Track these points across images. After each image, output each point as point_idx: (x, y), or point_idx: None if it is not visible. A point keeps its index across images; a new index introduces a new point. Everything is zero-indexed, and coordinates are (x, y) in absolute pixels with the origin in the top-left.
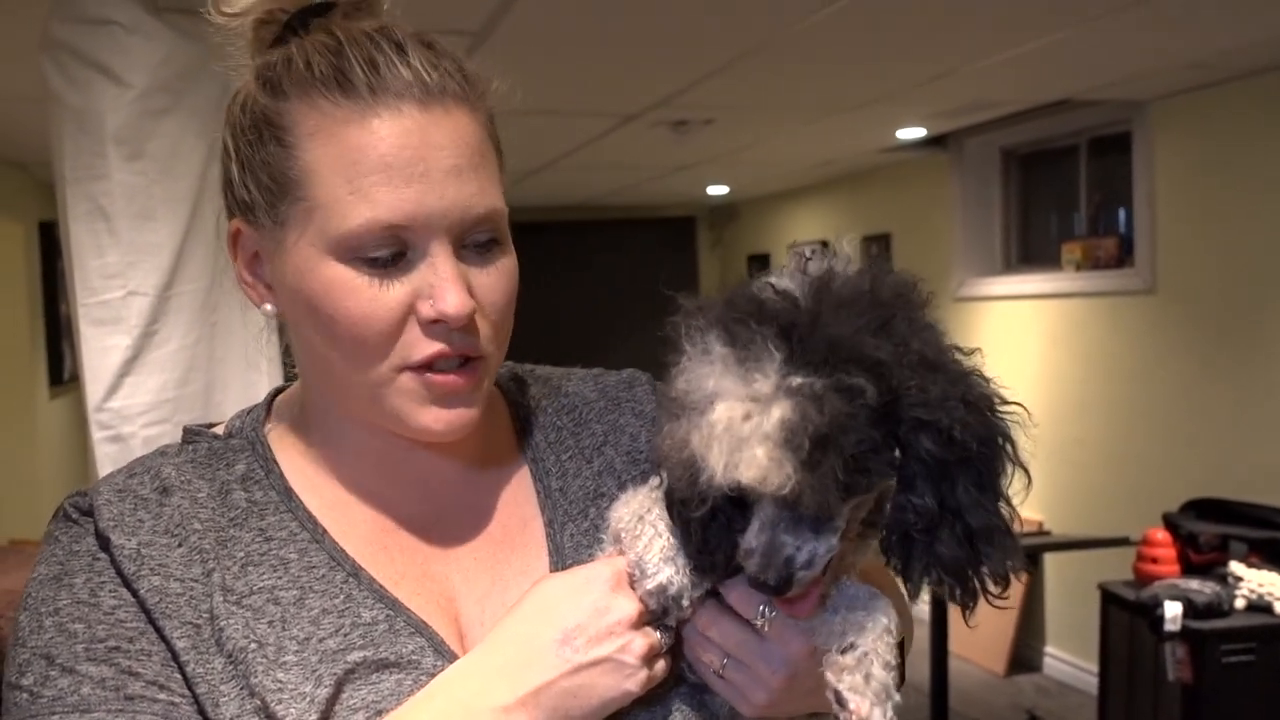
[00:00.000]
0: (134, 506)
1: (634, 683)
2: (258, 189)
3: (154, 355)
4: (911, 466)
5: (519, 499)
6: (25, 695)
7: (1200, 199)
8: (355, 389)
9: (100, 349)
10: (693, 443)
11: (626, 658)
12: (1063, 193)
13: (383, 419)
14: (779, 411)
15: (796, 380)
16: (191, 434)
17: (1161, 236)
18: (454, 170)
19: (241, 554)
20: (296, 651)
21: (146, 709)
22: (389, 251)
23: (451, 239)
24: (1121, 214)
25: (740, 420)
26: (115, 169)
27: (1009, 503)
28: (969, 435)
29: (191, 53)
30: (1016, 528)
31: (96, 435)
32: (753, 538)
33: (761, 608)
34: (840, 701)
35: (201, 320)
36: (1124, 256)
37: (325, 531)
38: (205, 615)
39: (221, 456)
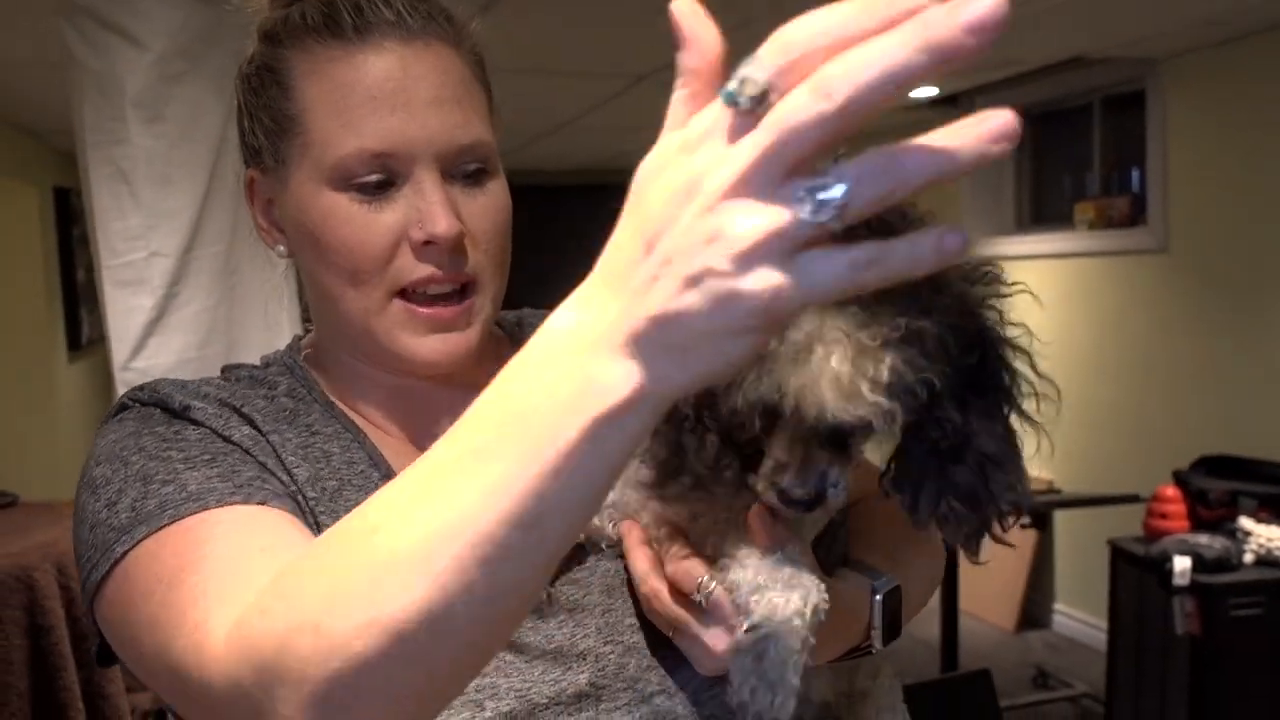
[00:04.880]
0: (197, 388)
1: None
2: (263, 133)
3: (176, 316)
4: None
5: None
6: (126, 516)
7: (1214, 158)
8: (353, 318)
9: (124, 310)
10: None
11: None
12: (1076, 152)
13: (379, 350)
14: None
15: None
16: (229, 368)
17: (1174, 196)
18: (435, 101)
19: (290, 445)
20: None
21: (261, 488)
22: (377, 178)
23: (439, 167)
24: (1135, 173)
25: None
26: (135, 133)
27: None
28: (1003, 354)
29: (209, 17)
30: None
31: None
32: (783, 452)
33: (700, 581)
34: (729, 681)
35: (221, 282)
36: (1137, 216)
37: (366, 436)
38: (276, 461)
39: (263, 381)
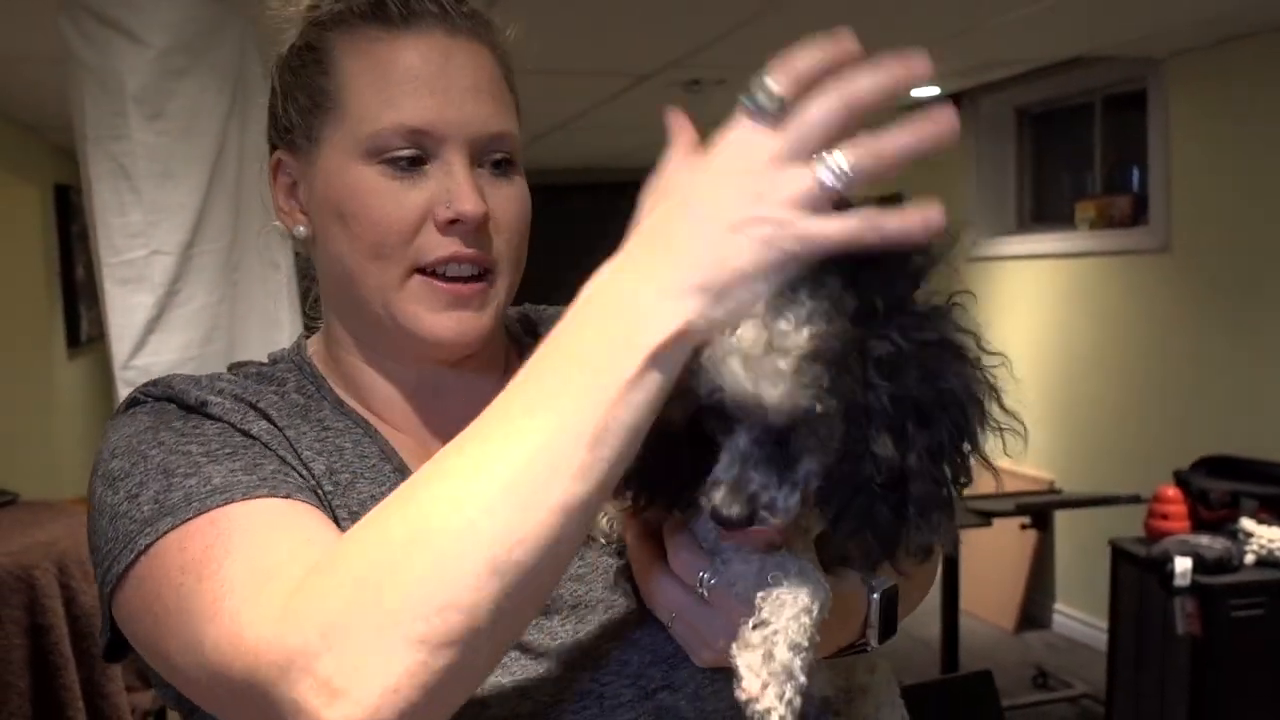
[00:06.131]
0: (211, 383)
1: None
2: (297, 112)
3: (178, 314)
4: (876, 416)
5: None
6: (149, 507)
7: (1215, 157)
8: (372, 296)
9: (125, 308)
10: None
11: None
12: (1077, 151)
13: (396, 329)
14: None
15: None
16: (237, 365)
17: (1175, 195)
18: (473, 89)
19: (305, 439)
20: (346, 521)
21: (284, 481)
22: (410, 153)
23: (469, 152)
24: (1135, 172)
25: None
26: (136, 129)
27: (967, 470)
28: (954, 380)
29: (210, 12)
30: (972, 490)
31: (123, 393)
32: (722, 471)
33: (701, 575)
34: (736, 677)
35: (223, 279)
36: (1138, 215)
37: (377, 430)
38: (294, 456)
39: (272, 378)
